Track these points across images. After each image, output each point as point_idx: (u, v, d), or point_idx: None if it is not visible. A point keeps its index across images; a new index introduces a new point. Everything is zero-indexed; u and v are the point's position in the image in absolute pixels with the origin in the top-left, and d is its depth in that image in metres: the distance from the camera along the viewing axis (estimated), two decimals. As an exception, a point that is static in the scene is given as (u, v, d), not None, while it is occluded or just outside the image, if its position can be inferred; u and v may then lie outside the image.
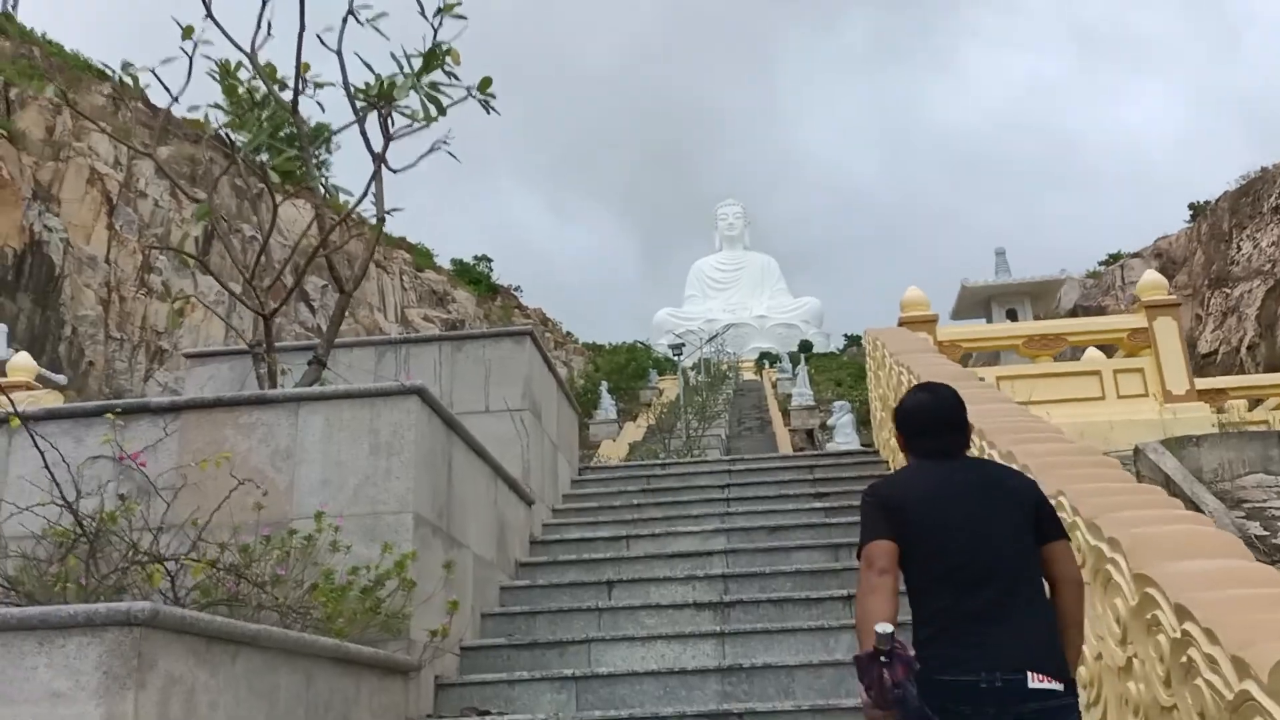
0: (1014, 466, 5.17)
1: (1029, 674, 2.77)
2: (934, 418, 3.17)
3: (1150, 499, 4.38)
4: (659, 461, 10.47)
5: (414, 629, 5.27)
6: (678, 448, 23.15)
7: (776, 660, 5.55)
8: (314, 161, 7.33)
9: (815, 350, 46.16)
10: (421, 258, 35.56)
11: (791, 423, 29.40)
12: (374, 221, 7.53)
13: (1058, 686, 2.81)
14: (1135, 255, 29.19)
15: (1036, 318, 16.22)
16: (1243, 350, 23.88)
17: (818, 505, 8.23)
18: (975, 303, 17.30)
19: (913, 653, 2.71)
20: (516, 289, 40.82)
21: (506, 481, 7.30)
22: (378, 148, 7.56)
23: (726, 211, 62.02)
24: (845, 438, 21.81)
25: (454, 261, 38.50)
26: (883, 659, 2.63)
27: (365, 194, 7.21)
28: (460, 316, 35.42)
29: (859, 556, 3.01)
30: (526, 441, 8.06)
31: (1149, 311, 10.24)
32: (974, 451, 5.93)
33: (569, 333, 45.01)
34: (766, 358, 44.96)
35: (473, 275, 37.98)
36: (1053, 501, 4.60)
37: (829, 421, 27.01)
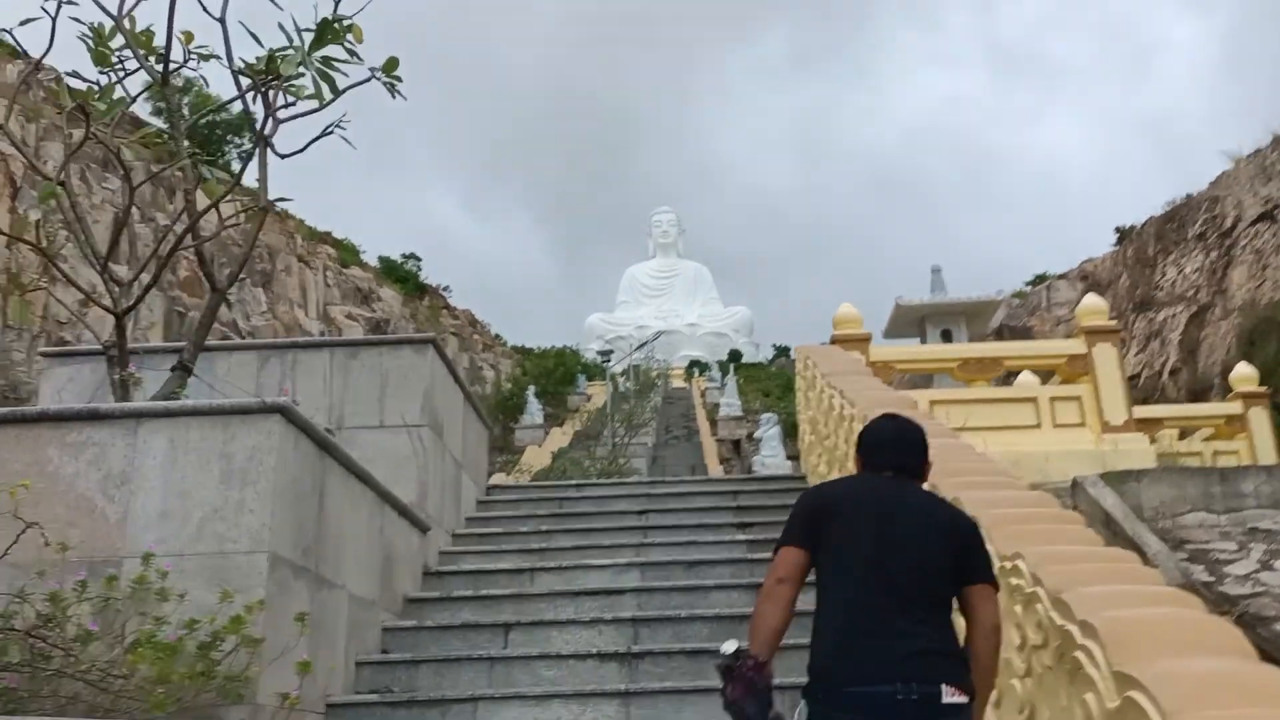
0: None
1: (943, 688, 2.73)
2: (893, 439, 3.21)
3: (1125, 569, 3.72)
4: (573, 482, 9.68)
5: (262, 692, 4.41)
6: (604, 455, 22.53)
7: (687, 728, 4.81)
8: (184, 141, 6.41)
9: (745, 360, 45.70)
10: (347, 253, 34.27)
11: (719, 433, 28.84)
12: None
13: (965, 700, 2.78)
14: (1061, 276, 29.11)
15: (972, 339, 15.71)
16: (1165, 374, 23.80)
17: (740, 538, 7.51)
18: (909, 321, 16.74)
19: (758, 676, 2.77)
20: (445, 289, 39.68)
21: (396, 508, 6.46)
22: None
23: (661, 219, 61.39)
24: (771, 450, 21.22)
25: (381, 259, 37.22)
26: (724, 674, 2.77)
27: (238, 180, 6.33)
28: (385, 315, 34.20)
29: (774, 552, 3.03)
30: (425, 461, 7.22)
31: (1088, 337, 9.74)
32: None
33: (498, 335, 43.95)
34: (696, 366, 44.39)
35: (400, 274, 36.74)
36: (1008, 564, 3.93)
37: (756, 433, 26.48)
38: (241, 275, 31.16)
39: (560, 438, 29.41)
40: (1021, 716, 3.77)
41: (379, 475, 7.08)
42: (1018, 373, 11.24)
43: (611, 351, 31.42)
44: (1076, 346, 9.79)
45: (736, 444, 28.32)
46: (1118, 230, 29.09)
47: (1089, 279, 28.07)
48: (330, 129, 6.62)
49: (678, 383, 39.90)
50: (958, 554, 2.94)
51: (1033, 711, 3.70)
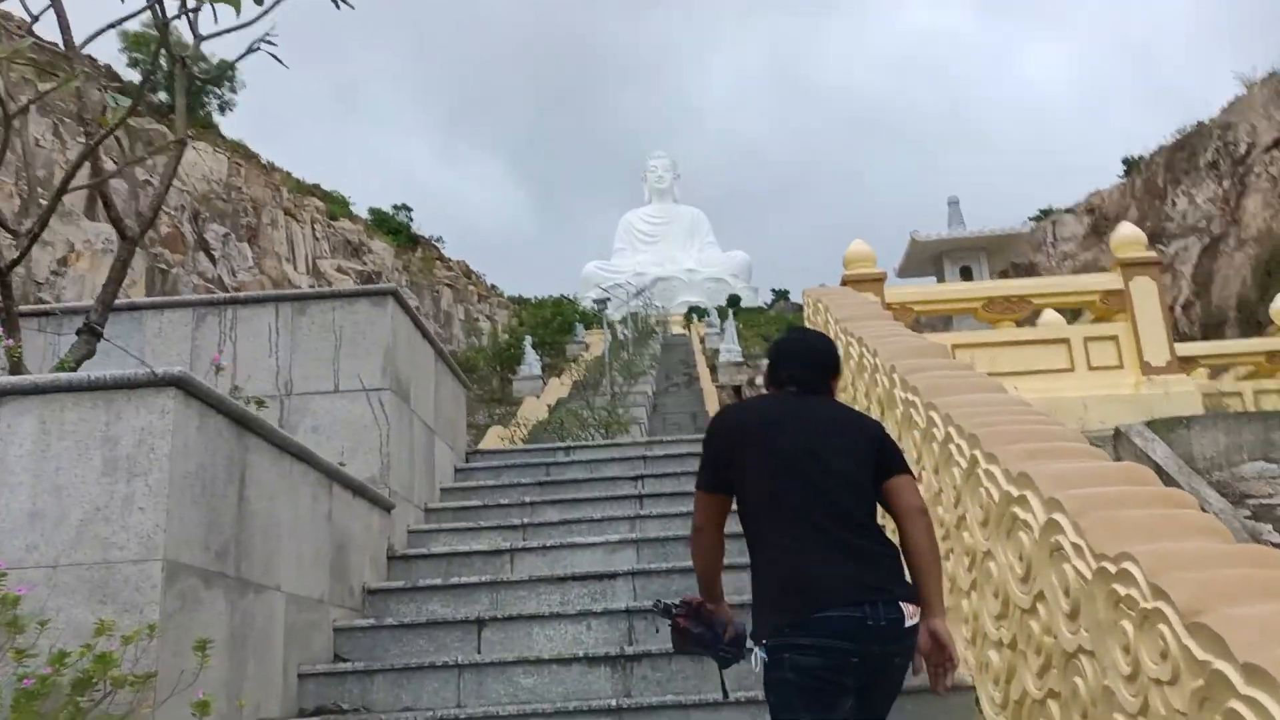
0: (1034, 499, 3.50)
1: (904, 609, 2.65)
2: (800, 352, 3.09)
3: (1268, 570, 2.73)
4: (561, 445, 8.69)
5: (158, 736, 3.46)
6: (603, 405, 21.84)
7: (692, 760, 3.86)
8: (80, 66, 5.32)
9: (744, 305, 44.62)
10: (336, 205, 33.05)
11: (720, 379, 27.92)
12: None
13: (917, 620, 2.71)
14: (1067, 210, 27.93)
15: (993, 275, 14.56)
16: (1178, 309, 22.76)
17: (749, 506, 6.54)
18: (925, 258, 15.48)
19: (694, 621, 2.96)
20: (438, 240, 38.41)
21: (349, 487, 5.47)
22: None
23: (656, 164, 59.87)
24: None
25: (371, 210, 35.96)
26: (669, 622, 2.96)
27: (136, 104, 5.28)
28: (377, 268, 33.06)
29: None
30: (387, 429, 6.23)
31: (1125, 271, 8.70)
32: (962, 464, 4.24)
33: (493, 285, 42.80)
34: (695, 312, 43.31)
35: (391, 225, 35.50)
36: (1111, 567, 2.95)
37: (757, 379, 25.54)
38: (226, 231, 29.82)
39: (559, 388, 28.58)
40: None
41: (335, 447, 6.10)
42: (1039, 313, 10.23)
43: (609, 299, 30.37)
44: (1112, 281, 8.76)
45: (738, 389, 27.51)
46: (1125, 161, 27.86)
47: (1095, 212, 26.92)
48: (256, 45, 5.56)
49: (677, 329, 38.88)
50: (876, 456, 2.87)
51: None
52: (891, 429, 5.52)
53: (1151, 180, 25.73)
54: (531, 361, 31.30)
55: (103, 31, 5.34)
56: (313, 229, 31.44)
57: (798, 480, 2.73)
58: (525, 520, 6.54)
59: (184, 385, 3.79)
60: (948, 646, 2.76)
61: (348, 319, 6.41)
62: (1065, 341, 8.54)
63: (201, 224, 27.12)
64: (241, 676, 4.16)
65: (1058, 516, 3.28)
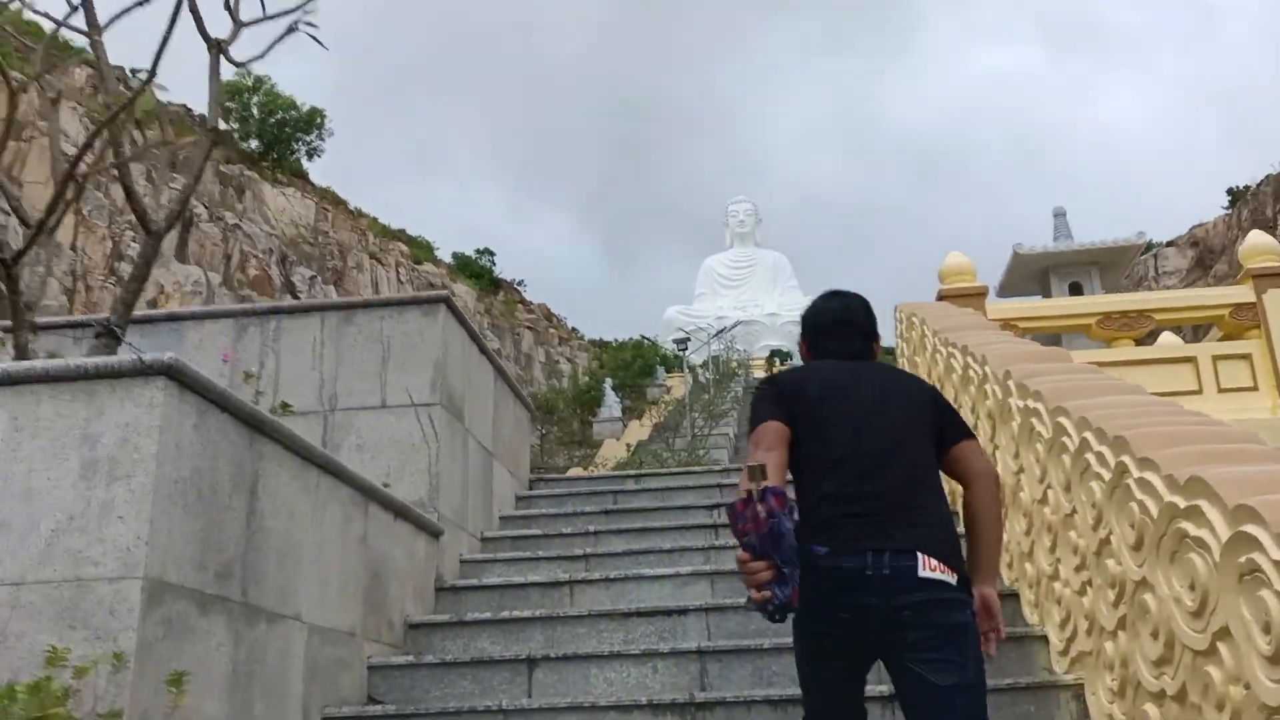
0: (1212, 510, 2.73)
1: (920, 558, 2.41)
2: (839, 320, 2.90)
3: None
4: (631, 473, 8.01)
5: (129, 792, 2.85)
6: (683, 447, 21.33)
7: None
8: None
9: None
10: (420, 250, 33.19)
11: (802, 421, 27.04)
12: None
13: (950, 579, 2.45)
14: (1169, 244, 26.53)
15: (1106, 292, 13.51)
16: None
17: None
18: (1029, 274, 14.36)
19: (765, 505, 2.27)
20: (520, 283, 38.32)
21: (389, 508, 4.87)
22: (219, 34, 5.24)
23: (737, 209, 59.23)
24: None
25: (455, 255, 36.07)
26: (756, 496, 2.26)
27: (156, 73, 4.83)
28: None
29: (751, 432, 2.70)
30: (437, 447, 5.63)
31: (1257, 282, 7.75)
32: (1105, 475, 3.47)
33: (574, 329, 42.52)
34: (777, 355, 42.39)
35: (474, 269, 35.52)
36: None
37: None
38: (313, 274, 29.96)
39: (639, 430, 28.00)
40: None
41: (381, 467, 5.53)
42: (1158, 332, 9.26)
43: (689, 339, 29.76)
44: (1242, 294, 7.81)
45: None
46: (1229, 192, 26.40)
47: (1200, 245, 25.52)
48: (295, 25, 5.12)
49: (759, 373, 38.03)
50: (934, 420, 2.70)
51: None
52: (1007, 446, 4.73)
53: (1259, 210, 24.27)
54: (611, 404, 30.96)
55: (128, 11, 4.92)
56: (397, 272, 31.55)
57: (845, 441, 2.58)
58: (588, 550, 5.86)
59: (176, 375, 3.23)
60: (996, 615, 2.63)
61: (396, 329, 5.86)
62: (1192, 360, 7.59)
63: (289, 267, 27.30)
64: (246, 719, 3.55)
65: (1253, 529, 2.49)
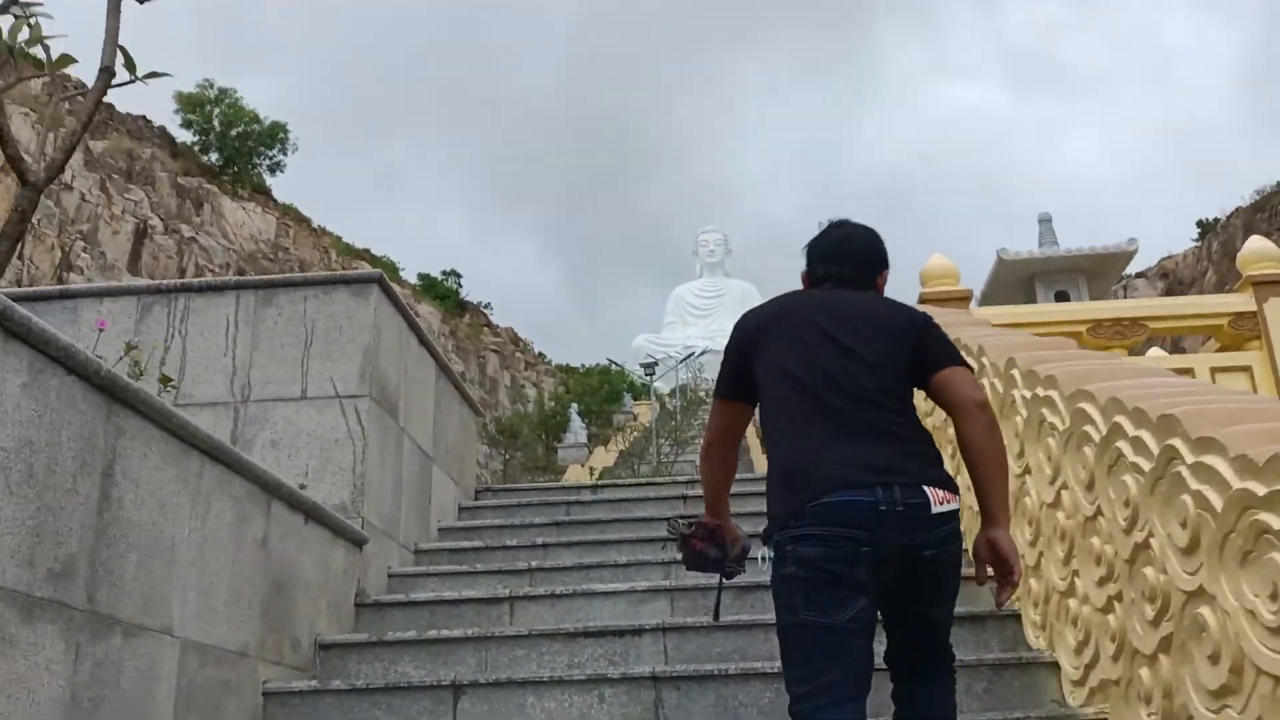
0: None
1: (929, 493, 2.25)
2: (837, 249, 2.68)
3: None
4: (589, 485, 7.33)
5: None
6: (648, 473, 20.85)
7: None
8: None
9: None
10: (385, 270, 32.42)
11: (770, 449, 26.52)
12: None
13: (955, 505, 2.30)
14: (1139, 275, 26.29)
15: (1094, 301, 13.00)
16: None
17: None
18: (1013, 281, 13.75)
19: (708, 544, 2.70)
20: (486, 306, 37.58)
21: (299, 508, 4.17)
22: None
23: (707, 238, 59.01)
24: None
25: (420, 276, 35.31)
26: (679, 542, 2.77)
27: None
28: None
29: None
30: (363, 446, 4.94)
31: (1258, 290, 7.26)
32: (1144, 465, 2.86)
33: (541, 353, 41.78)
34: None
35: (440, 290, 34.75)
36: None
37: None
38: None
39: (605, 456, 27.49)
40: None
41: (299, 466, 4.85)
42: (1149, 345, 8.75)
43: (656, 363, 29.23)
44: (1243, 302, 7.31)
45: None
46: (1199, 224, 26.26)
47: (1169, 276, 25.31)
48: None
49: (726, 401, 37.46)
50: (915, 346, 2.46)
51: None
52: (1009, 446, 4.11)
53: (1229, 242, 24.08)
54: (577, 429, 30.46)
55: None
56: (359, 292, 30.78)
57: (815, 365, 2.40)
58: (534, 564, 5.17)
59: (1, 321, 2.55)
60: (1009, 558, 2.34)
61: (322, 311, 5.18)
62: (1189, 372, 7.07)
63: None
64: (90, 758, 2.84)
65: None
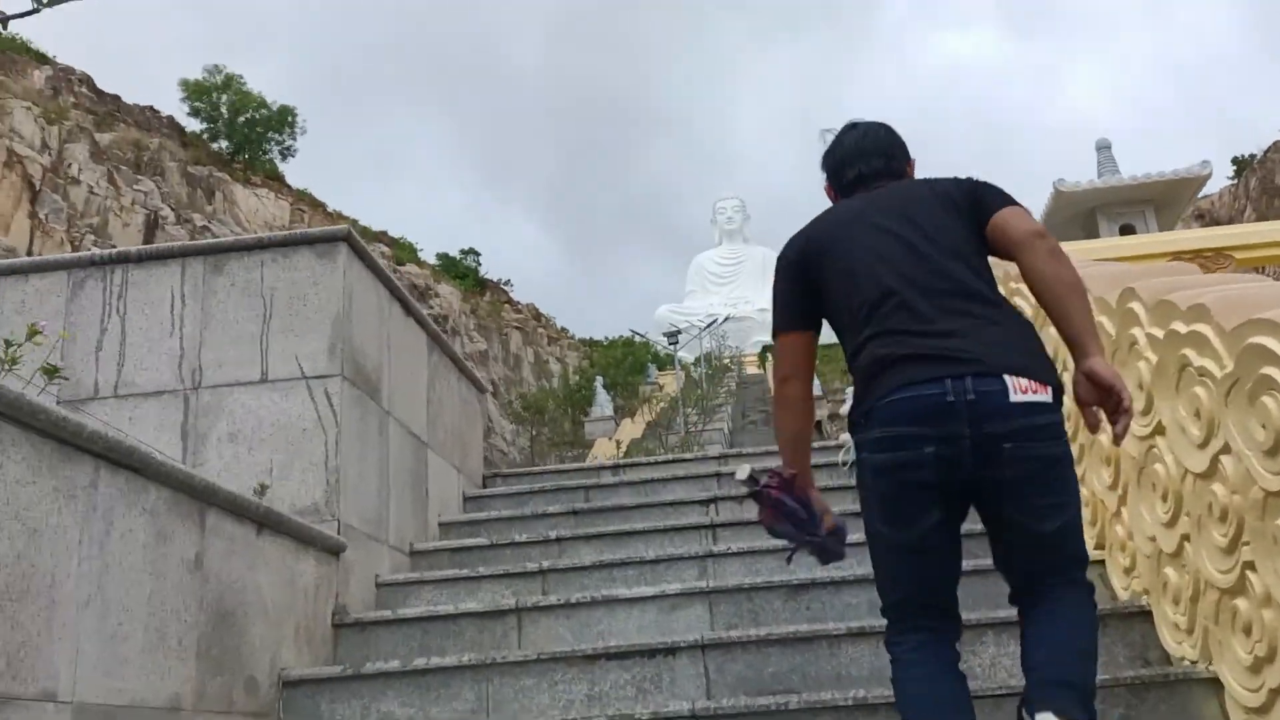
0: None
1: (1007, 381, 2.03)
2: (861, 144, 2.50)
3: None
4: (609, 464, 6.46)
5: None
6: (676, 444, 20.15)
7: None
8: None
9: (820, 341, 42.11)
10: (403, 251, 31.57)
11: (798, 414, 25.72)
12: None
13: (1045, 396, 2.06)
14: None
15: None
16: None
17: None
18: (1072, 216, 12.53)
19: (785, 494, 2.29)
20: (506, 283, 36.70)
21: (249, 518, 3.32)
22: None
23: (725, 205, 57.94)
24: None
25: (439, 255, 34.45)
26: (754, 499, 2.34)
27: None
28: (444, 312, 31.37)
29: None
30: (336, 434, 4.08)
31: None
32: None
33: (564, 328, 40.92)
34: (770, 351, 41.02)
35: (459, 270, 33.87)
36: None
37: (841, 410, 23.34)
38: None
39: (632, 428, 26.82)
40: None
41: (262, 461, 4.02)
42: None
43: (680, 332, 28.44)
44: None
45: (818, 424, 25.53)
46: (1235, 161, 24.96)
47: (1205, 217, 24.07)
48: None
49: (751, 369, 36.63)
50: (972, 207, 2.27)
51: None
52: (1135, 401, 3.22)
53: (1268, 178, 22.83)
54: (603, 403, 29.85)
55: None
56: (377, 274, 30.00)
57: (883, 262, 2.19)
58: (546, 564, 4.30)
59: None
60: (1114, 383, 2.03)
61: (282, 278, 4.31)
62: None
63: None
64: None
65: None
